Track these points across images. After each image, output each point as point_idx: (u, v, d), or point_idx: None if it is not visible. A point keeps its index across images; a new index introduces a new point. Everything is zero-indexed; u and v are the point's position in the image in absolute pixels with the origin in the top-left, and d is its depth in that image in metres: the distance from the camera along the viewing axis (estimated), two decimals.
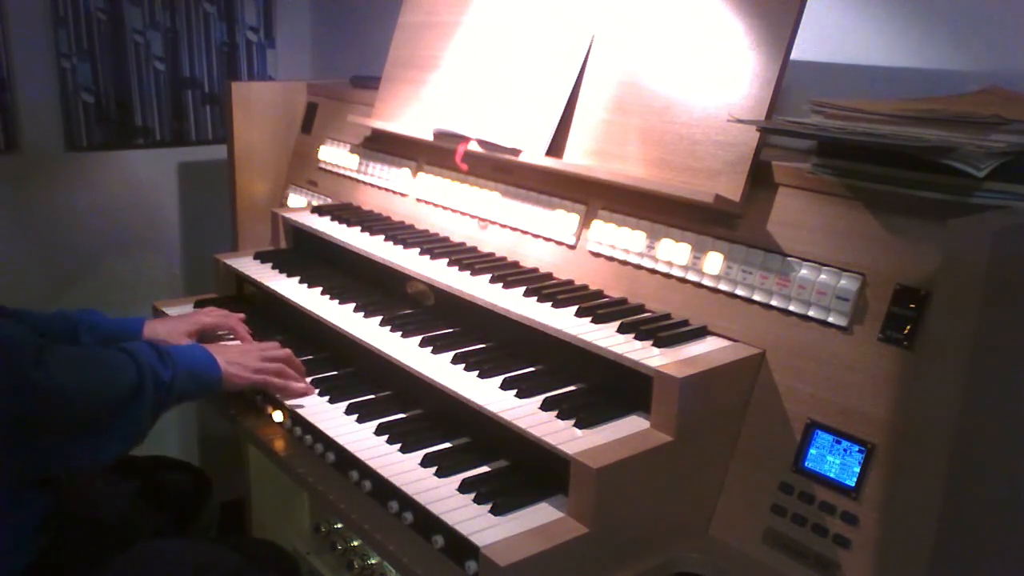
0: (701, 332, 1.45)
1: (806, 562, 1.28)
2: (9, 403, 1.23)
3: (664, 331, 1.42)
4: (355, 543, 2.14)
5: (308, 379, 1.67)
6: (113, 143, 2.74)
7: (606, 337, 1.42)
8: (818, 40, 1.68)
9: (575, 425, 1.33)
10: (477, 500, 1.29)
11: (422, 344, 1.60)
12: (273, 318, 1.94)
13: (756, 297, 1.41)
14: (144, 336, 1.72)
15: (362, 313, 1.74)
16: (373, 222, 2.05)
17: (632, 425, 1.35)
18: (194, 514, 1.86)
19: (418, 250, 1.84)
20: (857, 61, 1.69)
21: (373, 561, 2.08)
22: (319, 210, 2.17)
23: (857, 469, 1.26)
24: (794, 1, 1.41)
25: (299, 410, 1.57)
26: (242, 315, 1.85)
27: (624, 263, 1.62)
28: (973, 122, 1.24)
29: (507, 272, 1.71)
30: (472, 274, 1.70)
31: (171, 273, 2.97)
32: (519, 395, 1.42)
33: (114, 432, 1.35)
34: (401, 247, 1.88)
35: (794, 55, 1.43)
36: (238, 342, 1.77)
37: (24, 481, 1.39)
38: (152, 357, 1.43)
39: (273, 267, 2.05)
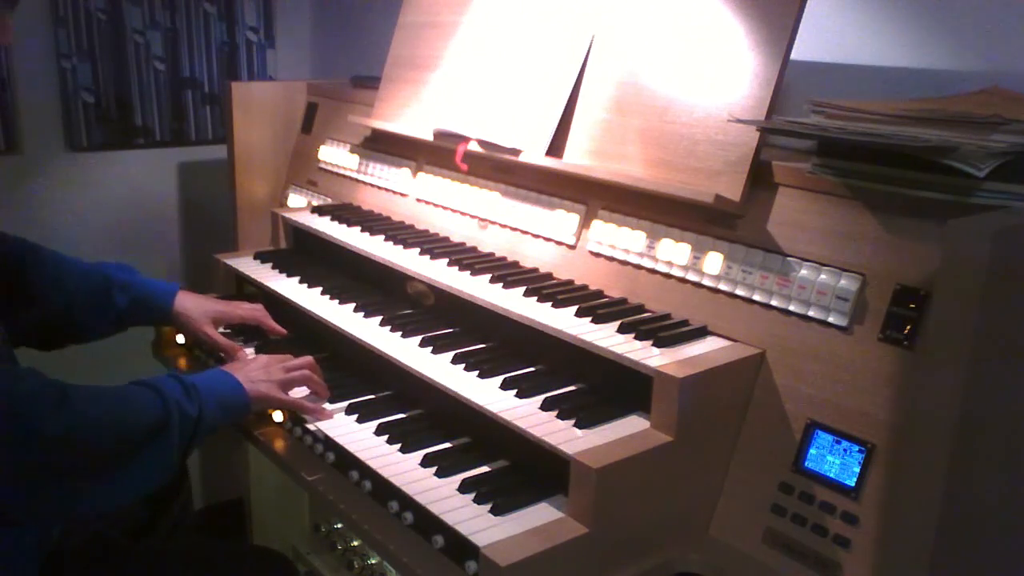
0: (701, 332, 1.45)
1: (806, 562, 1.28)
2: (29, 457, 1.20)
3: (664, 331, 1.42)
4: (355, 543, 2.14)
5: (324, 383, 1.64)
6: (113, 143, 2.74)
7: (606, 337, 1.42)
8: (818, 40, 1.68)
9: (575, 425, 1.33)
10: (477, 500, 1.29)
11: (422, 344, 1.60)
12: (273, 318, 1.94)
13: (756, 297, 1.41)
14: (174, 308, 1.75)
15: (362, 313, 1.74)
16: (373, 222, 2.05)
17: (632, 425, 1.35)
18: (168, 501, 1.85)
19: (418, 250, 1.84)
20: (857, 61, 1.69)
21: (373, 561, 2.08)
22: (319, 210, 2.17)
23: (857, 469, 1.26)
24: (794, 1, 1.41)
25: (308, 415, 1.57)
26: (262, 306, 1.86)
27: (624, 263, 1.62)
28: (973, 122, 1.24)
29: (507, 272, 1.70)
30: (472, 274, 1.70)
31: (171, 273, 2.97)
32: (519, 395, 1.42)
33: (140, 471, 1.31)
34: (401, 247, 1.88)
35: (794, 55, 1.43)
36: (255, 356, 1.71)
37: (44, 522, 1.38)
38: (179, 392, 1.38)
39: (273, 267, 2.05)
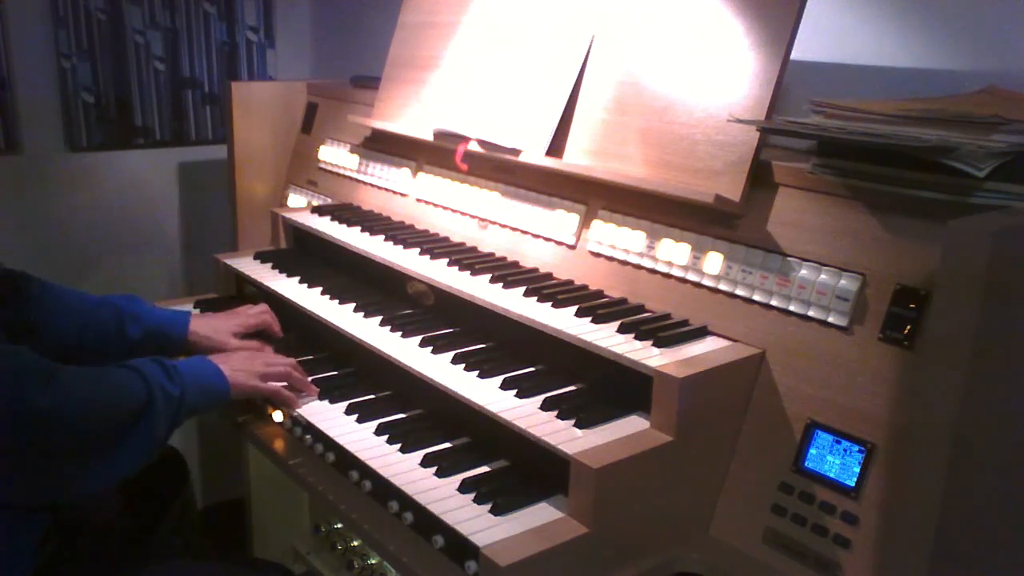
0: (701, 332, 1.45)
1: (806, 562, 1.28)
2: (19, 433, 1.22)
3: (664, 331, 1.42)
4: (355, 543, 2.14)
5: (308, 379, 1.66)
6: (113, 143, 2.74)
7: (606, 337, 1.42)
8: (818, 40, 1.68)
9: (575, 425, 1.33)
10: (477, 500, 1.29)
11: (422, 344, 1.60)
12: None
13: (756, 297, 1.41)
14: (188, 335, 1.74)
15: (362, 313, 1.74)
16: (373, 222, 2.05)
17: (632, 425, 1.35)
18: (173, 496, 1.86)
19: (418, 250, 1.84)
20: (857, 61, 1.69)
21: (373, 561, 2.08)
22: (319, 210, 2.17)
23: (857, 469, 1.26)
24: (794, 1, 1.41)
25: (299, 410, 1.57)
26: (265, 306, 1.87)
27: (624, 263, 1.62)
28: (973, 122, 1.24)
29: (507, 272, 1.70)
30: (472, 274, 1.70)
31: (171, 273, 2.97)
32: (519, 395, 1.42)
33: (125, 451, 1.34)
34: (401, 247, 1.88)
35: (794, 55, 1.43)
36: (241, 350, 1.74)
37: (38, 506, 1.38)
38: (160, 374, 1.41)
39: (273, 267, 2.05)
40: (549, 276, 1.72)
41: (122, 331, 1.69)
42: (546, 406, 1.38)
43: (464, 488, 1.32)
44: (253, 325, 1.82)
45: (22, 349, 1.28)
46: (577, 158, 1.71)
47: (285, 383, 1.61)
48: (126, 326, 1.69)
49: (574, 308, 1.53)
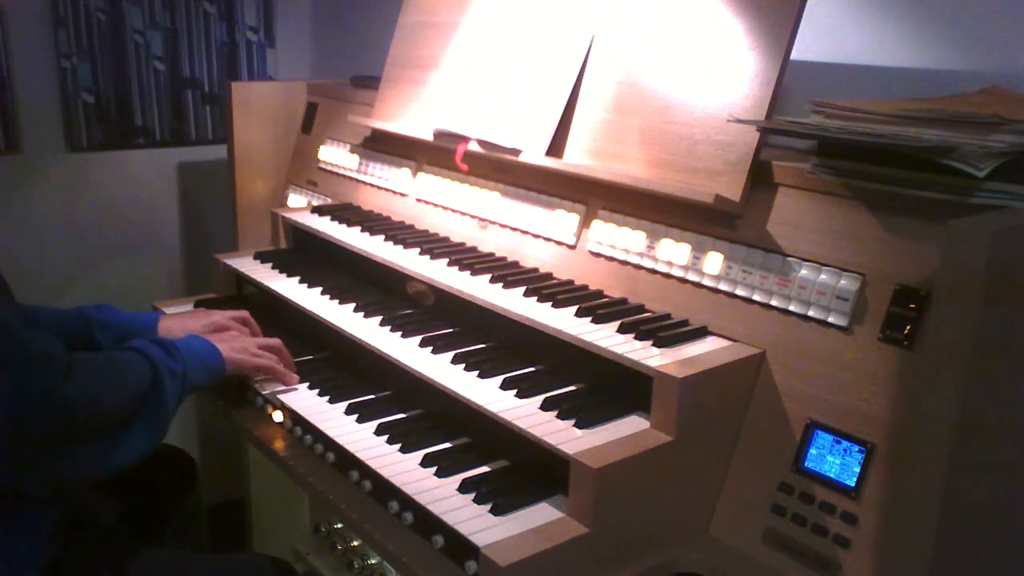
0: (701, 332, 1.45)
1: (806, 562, 1.28)
2: (46, 419, 1.24)
3: (664, 331, 1.42)
4: (355, 543, 2.14)
5: (308, 380, 1.68)
6: (113, 143, 2.74)
7: (606, 337, 1.42)
8: (818, 40, 1.68)
9: (575, 425, 1.33)
10: (477, 500, 1.29)
11: (422, 344, 1.60)
12: (273, 318, 1.94)
13: (756, 297, 1.41)
14: (159, 332, 1.74)
15: (362, 313, 1.74)
16: (373, 222, 2.05)
17: (632, 425, 1.35)
18: (182, 496, 1.86)
19: (418, 250, 1.84)
20: (857, 61, 1.69)
21: (373, 561, 2.08)
22: (319, 210, 2.18)
23: (857, 469, 1.26)
24: (794, 1, 1.41)
25: (299, 410, 1.57)
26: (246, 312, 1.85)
27: (624, 263, 1.62)
28: (973, 122, 1.24)
29: (507, 272, 1.71)
30: (472, 274, 1.70)
31: (171, 273, 2.97)
32: (519, 395, 1.42)
33: (138, 431, 1.37)
34: (401, 247, 1.88)
35: (794, 55, 1.43)
36: (231, 332, 1.75)
37: (58, 489, 1.40)
38: (161, 353, 1.45)
39: (273, 267, 2.05)
40: (549, 276, 1.72)
41: (92, 339, 1.69)
42: (546, 406, 1.38)
43: (464, 488, 1.32)
44: (222, 324, 1.80)
45: (41, 335, 1.30)
46: (577, 158, 1.71)
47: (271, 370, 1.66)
48: (95, 333, 1.69)
49: (574, 308, 1.53)
